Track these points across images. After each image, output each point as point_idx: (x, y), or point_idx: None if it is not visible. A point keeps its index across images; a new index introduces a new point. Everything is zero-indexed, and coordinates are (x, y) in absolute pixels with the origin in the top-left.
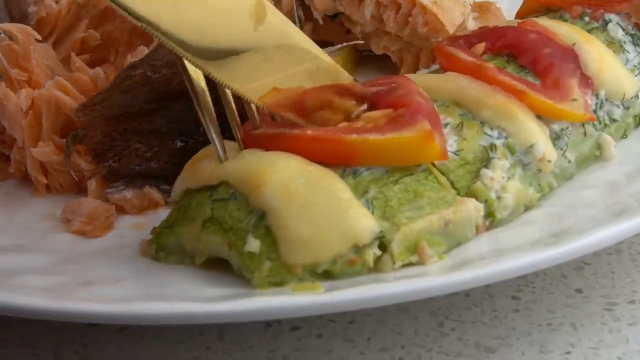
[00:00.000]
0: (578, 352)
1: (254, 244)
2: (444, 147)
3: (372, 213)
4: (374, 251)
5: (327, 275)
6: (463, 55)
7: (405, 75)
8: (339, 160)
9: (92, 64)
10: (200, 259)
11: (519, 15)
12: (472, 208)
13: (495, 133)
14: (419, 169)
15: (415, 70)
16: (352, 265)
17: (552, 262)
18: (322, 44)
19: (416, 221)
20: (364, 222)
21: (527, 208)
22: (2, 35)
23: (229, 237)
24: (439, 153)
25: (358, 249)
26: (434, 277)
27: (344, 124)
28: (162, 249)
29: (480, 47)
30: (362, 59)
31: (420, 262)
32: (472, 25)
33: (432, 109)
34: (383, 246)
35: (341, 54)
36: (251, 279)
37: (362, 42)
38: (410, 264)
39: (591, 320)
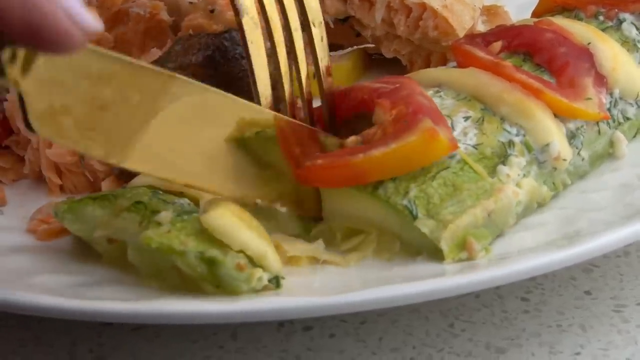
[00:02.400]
0: (587, 353)
1: (165, 215)
2: (452, 137)
3: (416, 213)
4: (265, 278)
5: (212, 265)
6: (480, 54)
7: (409, 76)
8: (357, 181)
9: None
10: (102, 233)
11: (535, 14)
12: (511, 194)
13: (514, 130)
14: (454, 161)
15: None
16: (238, 269)
17: (563, 264)
18: (333, 47)
19: (461, 216)
20: (274, 254)
21: (540, 205)
22: None
23: (148, 215)
24: (447, 146)
25: (252, 261)
26: (445, 279)
27: (353, 139)
28: (71, 212)
29: (497, 45)
30: (372, 62)
31: (470, 258)
32: (481, 28)
33: (434, 108)
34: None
35: (351, 57)
36: (143, 236)
37: (373, 45)
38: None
39: (600, 321)
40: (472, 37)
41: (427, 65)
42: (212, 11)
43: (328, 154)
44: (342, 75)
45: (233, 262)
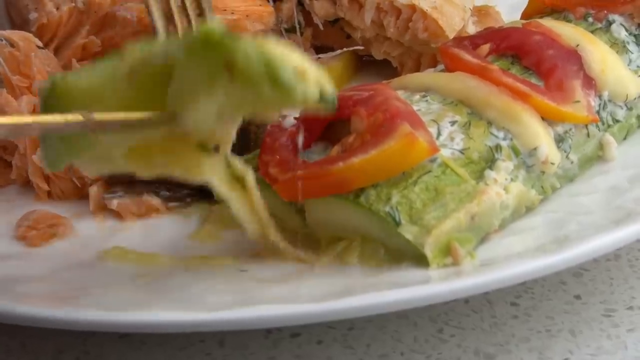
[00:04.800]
0: (577, 359)
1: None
2: (431, 140)
3: (399, 219)
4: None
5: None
6: (468, 57)
7: (397, 79)
8: (338, 190)
9: None
10: None
11: (524, 15)
12: (494, 195)
13: (501, 134)
14: (435, 164)
15: None
16: (297, 72)
17: (553, 269)
18: (323, 49)
19: (444, 221)
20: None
21: (529, 210)
22: (3, 42)
23: None
24: (427, 150)
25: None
26: (432, 285)
27: (336, 149)
28: None
29: (485, 48)
30: (362, 64)
31: (454, 263)
32: (472, 29)
33: (411, 112)
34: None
35: (341, 60)
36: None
37: (362, 47)
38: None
39: (590, 326)
40: (460, 39)
41: (418, 67)
42: (199, 15)
43: (308, 165)
44: (332, 78)
45: (293, 63)
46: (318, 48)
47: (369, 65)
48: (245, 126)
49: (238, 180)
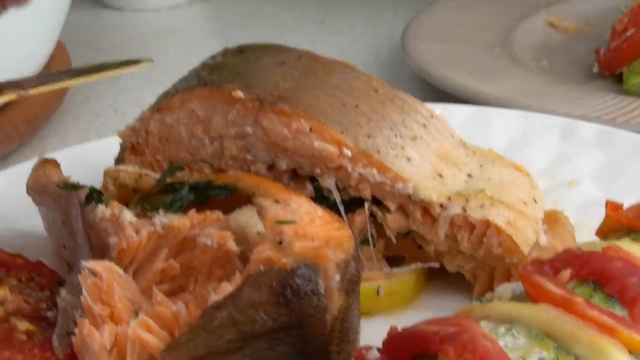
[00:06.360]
0: None
1: None
2: None
3: None
4: None
5: None
6: (551, 287)
7: (478, 306)
8: None
9: (170, 293)
10: None
11: (600, 232)
12: None
13: None
14: None
15: (489, 287)
16: None
17: None
18: (394, 259)
19: None
20: None
21: None
22: (86, 272)
23: None
24: None
25: None
26: None
27: None
28: None
29: (566, 274)
30: (433, 274)
31: None
32: (544, 240)
33: (499, 351)
34: None
35: (414, 272)
36: None
37: (437, 264)
38: None
39: None
40: (539, 264)
41: (491, 280)
42: (280, 242)
43: None
44: (405, 291)
45: None
46: (389, 258)
47: (440, 275)
48: (326, 348)
49: None
